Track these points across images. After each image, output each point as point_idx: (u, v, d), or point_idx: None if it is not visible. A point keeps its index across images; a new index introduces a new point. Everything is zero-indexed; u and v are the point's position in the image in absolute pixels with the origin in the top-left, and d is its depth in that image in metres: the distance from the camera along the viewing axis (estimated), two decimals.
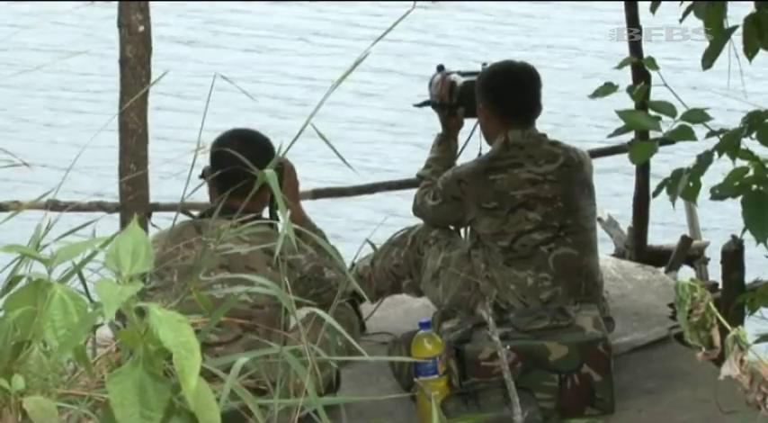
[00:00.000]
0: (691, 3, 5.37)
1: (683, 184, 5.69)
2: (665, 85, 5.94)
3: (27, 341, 2.20)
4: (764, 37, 5.33)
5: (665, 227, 7.33)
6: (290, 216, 5.38)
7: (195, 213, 5.65)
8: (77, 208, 5.40)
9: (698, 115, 5.74)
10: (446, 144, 6.29)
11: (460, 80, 6.21)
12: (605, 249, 6.77)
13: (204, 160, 5.17)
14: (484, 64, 6.28)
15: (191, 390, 2.14)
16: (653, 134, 5.88)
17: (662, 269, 6.94)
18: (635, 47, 6.88)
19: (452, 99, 6.21)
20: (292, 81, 13.11)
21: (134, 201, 5.06)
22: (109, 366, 2.42)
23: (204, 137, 3.99)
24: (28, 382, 2.21)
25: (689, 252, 6.99)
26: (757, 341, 4.66)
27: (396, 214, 6.87)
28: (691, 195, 5.75)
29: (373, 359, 5.53)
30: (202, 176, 5.20)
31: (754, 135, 5.64)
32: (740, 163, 5.69)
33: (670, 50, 5.44)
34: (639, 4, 6.72)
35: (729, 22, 5.38)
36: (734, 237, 6.21)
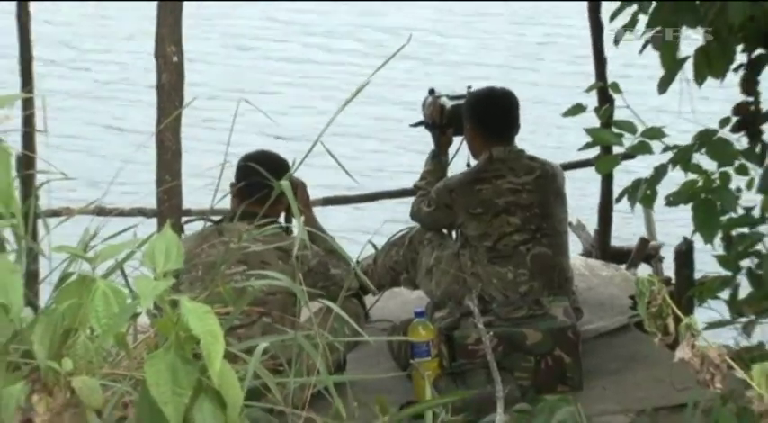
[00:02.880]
0: (650, 37, 5.36)
1: (642, 193, 5.70)
2: (628, 106, 5.94)
3: (74, 329, 2.20)
4: (712, 66, 5.32)
5: (626, 229, 7.29)
6: (304, 221, 5.47)
7: (217, 218, 5.67)
8: (120, 213, 5.40)
9: (655, 133, 5.74)
10: (438, 159, 6.33)
11: (449, 104, 6.24)
12: (575, 249, 6.76)
13: (228, 174, 5.16)
14: (469, 87, 6.30)
15: (216, 371, 2.14)
16: (616, 149, 5.90)
17: (623, 266, 6.94)
18: (600, 74, 6.88)
19: (443, 120, 6.25)
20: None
21: (168, 208, 5.06)
22: (146, 350, 2.41)
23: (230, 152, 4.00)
24: (75, 364, 2.21)
25: (646, 252, 6.99)
26: (706, 328, 4.64)
27: (395, 219, 6.83)
28: (648, 202, 5.76)
29: (374, 340, 5.53)
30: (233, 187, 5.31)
31: (703, 150, 5.64)
32: (691, 175, 5.70)
33: (636, 76, 5.44)
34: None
35: (681, 54, 5.38)
36: (685, 238, 6.20)
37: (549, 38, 14.89)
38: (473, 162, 6.20)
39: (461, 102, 6.22)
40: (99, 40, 12.61)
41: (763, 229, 5.79)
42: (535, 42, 15.08)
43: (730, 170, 5.68)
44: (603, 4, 6.71)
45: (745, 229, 5.76)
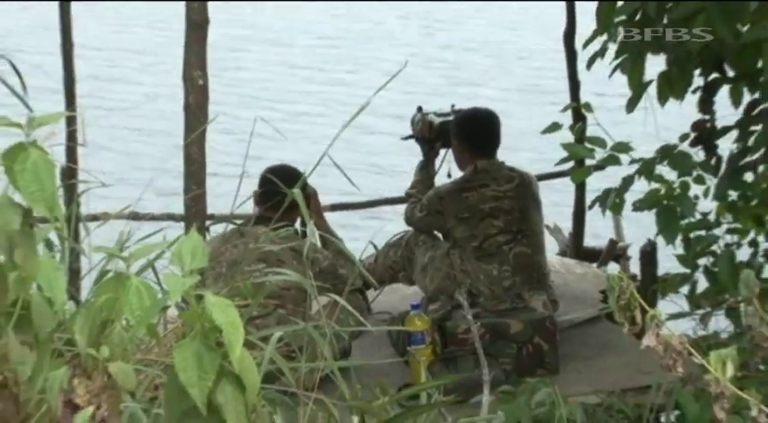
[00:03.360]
0: (618, 62, 5.36)
1: (611, 200, 5.70)
2: (598, 124, 5.95)
3: (111, 320, 2.19)
4: (673, 89, 5.32)
5: (598, 232, 7.29)
6: (316, 225, 5.49)
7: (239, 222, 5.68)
8: (152, 218, 5.39)
9: (623, 147, 5.75)
10: (426, 169, 6.33)
11: (437, 120, 6.25)
12: (552, 250, 6.75)
13: (248, 184, 5.16)
14: (452, 106, 6.30)
15: (236, 357, 2.13)
16: (588, 161, 5.90)
17: (594, 264, 6.93)
18: (574, 95, 6.87)
19: (431, 135, 6.26)
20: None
21: (195, 213, 5.06)
22: (174, 339, 2.40)
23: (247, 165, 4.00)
24: (112, 351, 2.20)
25: (615, 252, 6.98)
26: (668, 319, 4.61)
27: (394, 222, 6.84)
28: (617, 208, 5.76)
29: (376, 330, 5.52)
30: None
31: (665, 162, 5.64)
32: (654, 184, 5.70)
33: (611, 96, 5.45)
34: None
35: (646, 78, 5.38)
36: (649, 240, 6.20)
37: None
38: (454, 172, 6.20)
39: (448, 118, 6.23)
40: (136, 62, 12.52)
41: (717, 231, 5.79)
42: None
43: (689, 180, 5.68)
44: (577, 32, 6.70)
45: (702, 232, 5.76)
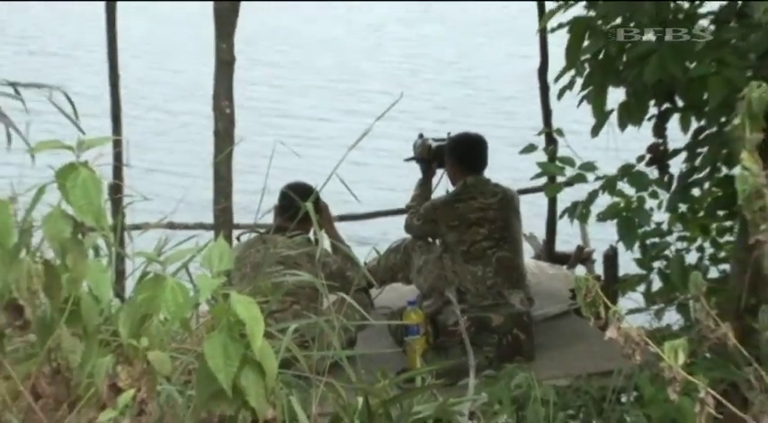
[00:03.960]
0: (584, 93, 5.35)
1: (579, 211, 5.69)
2: (568, 146, 5.94)
3: (150, 315, 2.18)
4: (632, 117, 5.32)
5: (567, 239, 7.27)
6: (327, 233, 5.49)
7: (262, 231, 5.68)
8: (185, 227, 5.38)
9: (588, 166, 5.74)
10: (424, 185, 6.34)
11: (434, 145, 6.28)
12: (528, 254, 6.74)
13: (268, 199, 5.16)
14: (448, 133, 6.30)
15: (257, 347, 2.13)
16: (559, 178, 5.90)
17: (564, 267, 6.91)
18: (547, 121, 6.87)
19: (430, 157, 6.28)
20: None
21: (222, 223, 5.05)
22: (204, 331, 2.39)
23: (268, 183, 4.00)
24: (150, 341, 2.19)
25: (582, 256, 6.96)
26: (628, 314, 4.61)
27: (394, 231, 6.82)
28: (583, 218, 5.75)
29: (377, 323, 5.51)
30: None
31: (625, 180, 5.64)
32: (615, 198, 5.70)
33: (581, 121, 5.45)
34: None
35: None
36: (611, 246, 6.18)
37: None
38: (450, 188, 6.20)
39: (443, 143, 6.25)
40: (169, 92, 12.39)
41: (669, 239, 5.78)
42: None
43: (645, 195, 5.67)
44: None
45: (657, 239, 5.76)
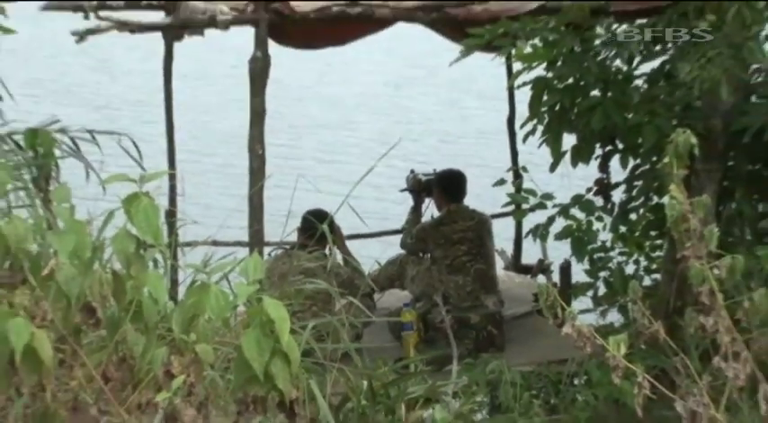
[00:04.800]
0: (544, 138, 5.36)
1: (540, 232, 5.68)
2: (531, 180, 5.96)
3: (197, 315, 2.17)
4: (581, 156, 5.32)
5: (530, 254, 7.24)
6: (339, 250, 5.48)
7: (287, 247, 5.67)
8: (226, 244, 5.34)
9: (547, 196, 5.75)
10: (416, 212, 6.32)
11: (424, 179, 6.28)
12: (499, 266, 6.70)
13: (292, 222, 5.15)
14: (434, 169, 6.30)
15: (284, 341, 2.12)
16: (524, 206, 5.91)
17: (528, 276, 6.88)
18: (515, 160, 6.85)
19: (419, 189, 6.27)
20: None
21: (255, 241, 5.04)
22: (242, 328, 2.37)
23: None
24: (197, 336, 2.18)
25: (542, 267, 6.92)
26: (579, 314, 4.59)
27: (391, 248, 6.80)
28: (543, 238, 5.74)
29: (379, 320, 5.49)
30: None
31: (576, 207, 5.64)
32: (569, 221, 5.69)
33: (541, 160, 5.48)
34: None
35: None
36: (566, 259, 6.16)
37: None
38: (436, 213, 6.19)
39: (431, 177, 6.24)
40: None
41: (612, 254, 5.76)
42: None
43: (593, 219, 5.67)
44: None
45: (602, 254, 5.74)
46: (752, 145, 4.87)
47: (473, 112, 13.29)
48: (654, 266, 5.67)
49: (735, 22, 4.21)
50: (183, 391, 2.15)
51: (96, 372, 2.17)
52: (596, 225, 5.68)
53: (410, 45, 12.82)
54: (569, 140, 5.31)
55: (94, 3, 5.07)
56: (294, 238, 5.53)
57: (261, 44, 5.05)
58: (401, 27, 5.70)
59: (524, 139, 5.58)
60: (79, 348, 2.16)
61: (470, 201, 6.14)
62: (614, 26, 5.32)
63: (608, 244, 5.76)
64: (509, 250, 7.08)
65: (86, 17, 4.97)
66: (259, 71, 5.02)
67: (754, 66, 4.90)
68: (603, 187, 5.70)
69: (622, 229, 5.70)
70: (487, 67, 6.28)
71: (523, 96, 5.58)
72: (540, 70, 5.35)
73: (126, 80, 14.45)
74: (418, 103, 14.37)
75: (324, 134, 12.76)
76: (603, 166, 5.61)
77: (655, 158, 5.30)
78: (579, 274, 6.00)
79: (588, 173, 5.62)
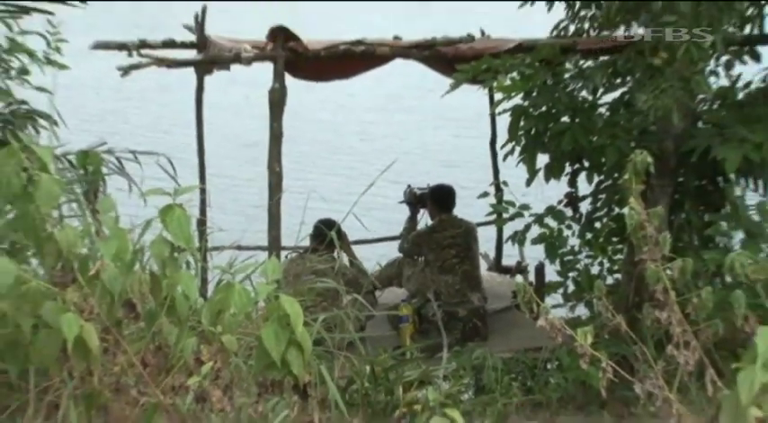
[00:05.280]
0: (521, 158, 5.35)
1: (518, 238, 5.67)
2: (511, 193, 5.93)
3: (223, 310, 2.16)
4: (553, 173, 5.31)
5: (510, 256, 7.23)
6: (345, 253, 5.46)
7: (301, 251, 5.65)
8: (248, 248, 5.33)
9: (524, 207, 5.75)
10: (412, 221, 6.31)
11: (419, 192, 6.27)
12: (483, 267, 6.68)
13: (305, 229, 5.13)
14: (428, 184, 6.29)
15: (298, 332, 2.11)
16: (505, 215, 5.90)
17: (508, 276, 6.86)
18: (496, 174, 6.83)
19: (415, 201, 6.27)
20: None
21: (274, 246, 5.03)
22: (262, 321, 2.36)
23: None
24: (223, 328, 2.17)
25: (520, 268, 6.90)
26: (552, 308, 4.58)
27: (390, 251, 6.78)
28: (521, 243, 5.72)
29: (380, 313, 5.47)
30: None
31: (549, 216, 5.63)
32: (543, 229, 5.68)
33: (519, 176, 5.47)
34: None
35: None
36: (540, 261, 6.15)
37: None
38: (429, 222, 6.18)
39: (425, 190, 6.24)
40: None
41: (580, 257, 5.74)
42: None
43: (563, 227, 5.66)
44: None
45: (571, 257, 5.72)
46: (699, 164, 4.87)
47: (462, 134, 13.27)
48: (615, 268, 5.65)
49: (684, 58, 4.21)
50: (211, 375, 2.14)
51: (136, 358, 2.16)
52: (566, 232, 5.66)
53: (405, 79, 12.81)
54: (543, 159, 5.30)
55: (136, 42, 5.10)
56: (307, 243, 5.52)
57: (278, 77, 5.06)
58: (398, 63, 5.72)
59: (504, 158, 5.58)
60: (121, 338, 2.15)
61: (458, 210, 6.14)
62: (581, 62, 5.35)
63: (576, 248, 5.74)
64: (491, 253, 7.08)
65: (129, 55, 4.99)
66: (277, 100, 5.03)
67: (701, 96, 4.90)
68: (572, 200, 5.69)
69: (588, 235, 5.68)
70: (474, 97, 6.28)
71: (503, 122, 5.58)
72: (517, 100, 5.34)
73: (155, 109, 14.52)
74: (410, 128, 14.39)
75: (332, 155, 12.75)
76: (572, 182, 5.60)
77: (616, 175, 5.29)
78: (551, 274, 5.98)
79: (559, 187, 5.61)
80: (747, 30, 5.08)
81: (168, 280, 2.13)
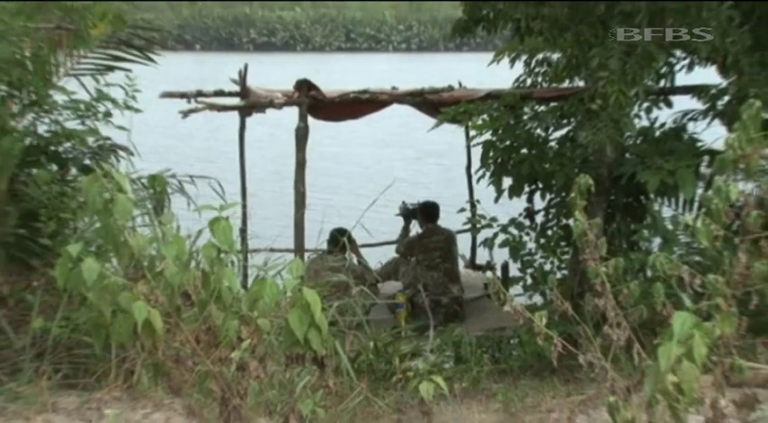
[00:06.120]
0: (491, 181, 5.32)
1: (489, 243, 5.64)
2: (482, 208, 5.90)
3: (258, 299, 2.14)
4: (515, 192, 5.30)
5: (482, 257, 7.18)
6: (355, 254, 5.43)
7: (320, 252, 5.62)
8: (280, 250, 5.31)
9: (493, 219, 5.71)
10: (405, 229, 6.29)
11: (411, 207, 6.26)
12: (461, 265, 6.63)
13: (323, 236, 5.10)
14: (419, 201, 6.28)
15: (317, 316, 2.08)
16: (478, 225, 5.87)
17: (480, 272, 6.84)
18: (471, 194, 6.81)
19: (408, 214, 6.25)
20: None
21: (299, 248, 5.00)
22: (288, 307, 2.34)
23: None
24: (259, 313, 2.15)
25: (489, 266, 6.86)
26: (515, 296, 4.56)
27: (389, 253, 6.76)
28: (491, 247, 5.69)
29: (381, 302, 5.46)
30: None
31: (512, 226, 5.60)
32: (507, 235, 5.65)
33: (488, 195, 5.45)
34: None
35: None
36: (506, 261, 6.12)
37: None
38: (419, 230, 6.16)
39: (415, 206, 6.22)
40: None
41: (536, 257, 5.72)
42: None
43: (523, 234, 5.63)
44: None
45: (529, 257, 5.69)
46: (626, 186, 4.87)
47: (443, 163, 13.26)
48: (563, 265, 5.62)
49: (614, 104, 4.21)
50: (249, 349, 2.12)
51: (191, 336, 2.14)
52: (525, 238, 5.63)
53: (398, 119, 12.78)
54: (507, 182, 5.30)
55: (193, 91, 5.12)
56: (324, 246, 5.51)
57: (302, 118, 5.08)
58: (393, 106, 5.74)
59: (477, 181, 5.58)
60: (180, 321, 2.13)
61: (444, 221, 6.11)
62: (536, 107, 5.36)
63: (533, 251, 5.71)
64: (467, 255, 7.05)
65: (188, 102, 5.00)
66: (301, 136, 5.04)
67: (627, 133, 4.90)
68: (530, 213, 5.68)
69: (542, 240, 5.66)
70: (452, 134, 6.27)
71: (476, 153, 5.57)
72: (487, 136, 5.35)
73: (205, 143, 14.53)
74: (402, 157, 14.41)
75: (343, 179, 12.72)
76: (529, 199, 5.59)
77: (563, 194, 5.28)
78: (514, 270, 5.96)
79: (520, 204, 5.60)
80: (662, 83, 5.11)
81: (216, 276, 2.11)
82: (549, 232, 5.65)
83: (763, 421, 2.22)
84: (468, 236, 6.72)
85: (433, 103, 5.61)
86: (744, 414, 2.05)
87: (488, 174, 5.32)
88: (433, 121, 5.34)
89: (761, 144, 1.93)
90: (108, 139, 4.10)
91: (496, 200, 5.34)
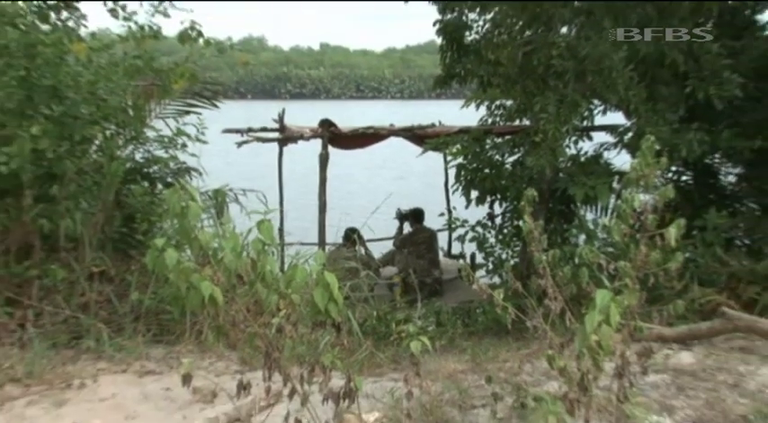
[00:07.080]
0: (463, 193, 5.31)
1: (462, 239, 5.61)
2: (456, 214, 5.88)
3: (292, 280, 2.13)
4: (480, 202, 5.31)
5: (456, 249, 7.11)
6: (363, 247, 5.40)
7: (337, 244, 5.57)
8: (308, 244, 5.30)
9: (464, 221, 5.67)
10: (400, 229, 6.27)
11: (404, 212, 6.25)
12: (441, 254, 6.57)
13: (339, 232, 5.07)
14: (412, 208, 6.25)
15: (335, 293, 2.07)
16: (453, 225, 5.83)
17: (455, 260, 6.79)
18: (448, 203, 6.77)
19: (402, 217, 6.22)
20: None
21: (322, 242, 4.97)
22: (314, 286, 2.32)
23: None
24: (293, 290, 2.14)
25: (461, 255, 6.81)
26: (480, 278, 4.53)
27: (388, 246, 6.69)
28: (463, 241, 5.66)
29: (382, 282, 5.43)
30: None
31: (478, 226, 5.57)
32: (475, 233, 5.62)
33: (461, 203, 5.41)
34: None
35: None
36: (473, 252, 6.09)
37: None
38: (410, 229, 6.13)
39: (407, 211, 6.21)
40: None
41: (496, 249, 5.68)
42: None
43: (486, 232, 5.61)
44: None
45: (491, 249, 5.63)
46: (561, 197, 4.89)
47: (427, 181, 13.19)
48: (515, 255, 5.62)
49: (552, 138, 4.24)
50: (285, 317, 2.11)
51: (243, 307, 2.14)
52: (488, 235, 5.62)
53: (392, 149, 12.66)
54: (474, 194, 5.29)
55: (246, 128, 5.17)
56: (340, 241, 5.49)
57: (324, 147, 5.11)
58: (391, 138, 5.75)
59: (453, 193, 5.55)
60: (235, 295, 2.13)
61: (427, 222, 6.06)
62: (496, 139, 5.37)
63: (493, 244, 5.71)
64: (446, 247, 7.02)
65: (241, 135, 5.05)
66: (323, 160, 5.06)
67: (561, 159, 4.91)
68: (491, 217, 5.67)
69: (500, 237, 5.66)
70: (434, 159, 6.26)
71: (452, 172, 5.56)
72: (460, 160, 5.36)
73: (250, 167, 14.18)
74: (396, 176, 14.38)
75: (354, 192, 12.65)
76: (491, 207, 5.59)
77: (515, 203, 5.27)
78: (479, 258, 5.93)
79: (483, 210, 5.59)
80: (585, 123, 5.14)
81: (261, 262, 2.11)
82: (505, 231, 5.64)
83: (655, 365, 2.26)
84: (446, 233, 6.69)
85: (420, 136, 5.69)
86: (643, 361, 2.08)
87: (460, 188, 5.33)
88: (419, 149, 5.38)
89: (655, 167, 1.98)
90: (184, 163, 4.15)
91: (466, 207, 5.34)
